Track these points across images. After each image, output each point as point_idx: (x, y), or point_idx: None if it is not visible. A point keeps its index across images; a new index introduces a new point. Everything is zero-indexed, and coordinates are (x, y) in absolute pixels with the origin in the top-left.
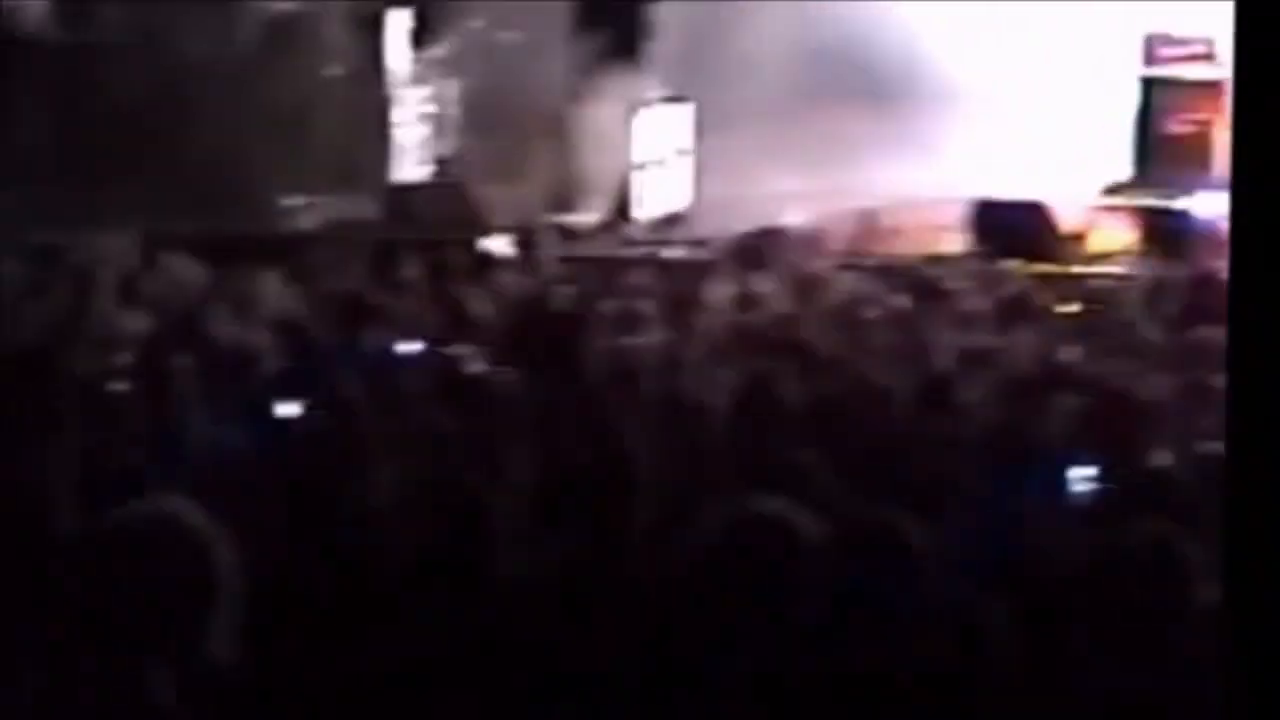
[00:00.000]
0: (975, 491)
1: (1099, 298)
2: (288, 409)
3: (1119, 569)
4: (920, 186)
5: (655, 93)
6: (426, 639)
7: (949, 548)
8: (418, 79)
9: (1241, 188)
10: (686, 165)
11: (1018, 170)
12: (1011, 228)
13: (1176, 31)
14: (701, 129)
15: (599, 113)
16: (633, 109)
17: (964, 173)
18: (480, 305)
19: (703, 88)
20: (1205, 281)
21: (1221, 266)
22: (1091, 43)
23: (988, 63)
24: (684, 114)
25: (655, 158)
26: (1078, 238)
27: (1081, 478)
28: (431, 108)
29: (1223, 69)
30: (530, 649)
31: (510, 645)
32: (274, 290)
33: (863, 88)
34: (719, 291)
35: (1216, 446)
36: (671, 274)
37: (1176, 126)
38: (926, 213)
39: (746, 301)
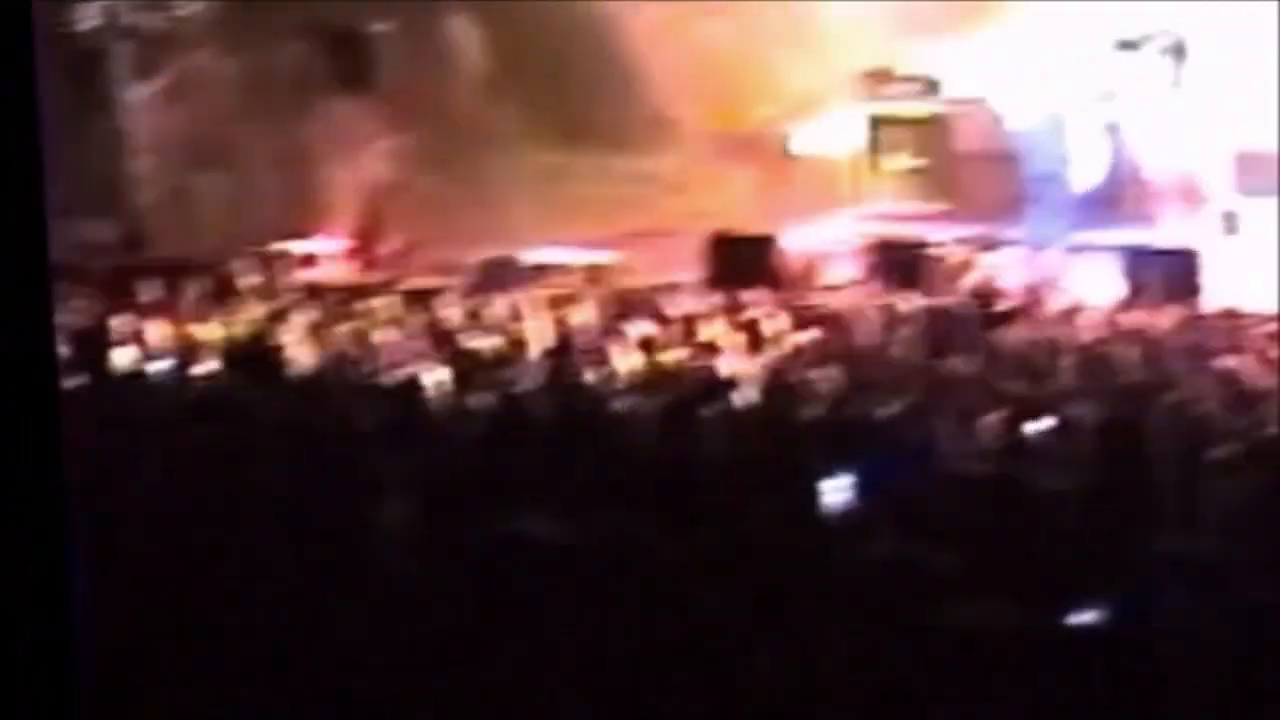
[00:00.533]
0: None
1: (837, 325)
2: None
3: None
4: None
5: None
6: None
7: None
8: (149, 108)
9: None
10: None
11: (763, 203)
12: (748, 259)
13: (900, 69)
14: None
15: (337, 141)
16: (372, 137)
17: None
18: (212, 330)
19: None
20: (944, 311)
21: (964, 298)
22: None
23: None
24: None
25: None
26: (813, 268)
27: (830, 492)
28: (166, 136)
29: (947, 104)
30: None
31: None
32: None
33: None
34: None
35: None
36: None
37: (906, 161)
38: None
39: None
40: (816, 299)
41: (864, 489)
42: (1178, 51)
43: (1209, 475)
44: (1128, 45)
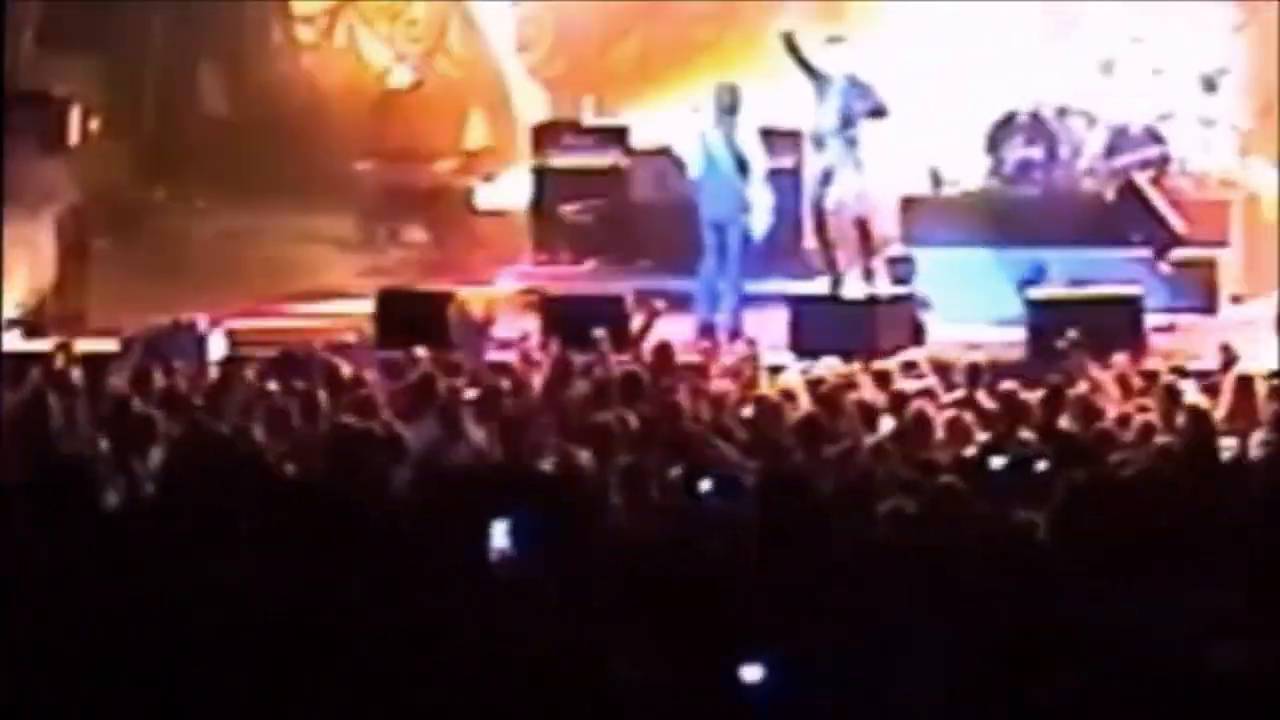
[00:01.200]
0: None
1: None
2: None
3: None
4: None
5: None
6: None
7: None
8: None
9: None
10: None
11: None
12: (420, 316)
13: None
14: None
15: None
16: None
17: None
18: None
19: None
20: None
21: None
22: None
23: None
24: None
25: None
26: (486, 323)
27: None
28: None
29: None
30: None
31: None
32: None
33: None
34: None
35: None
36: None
37: (573, 212)
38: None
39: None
40: (493, 354)
41: (524, 545)
42: (863, 97)
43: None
44: (817, 89)
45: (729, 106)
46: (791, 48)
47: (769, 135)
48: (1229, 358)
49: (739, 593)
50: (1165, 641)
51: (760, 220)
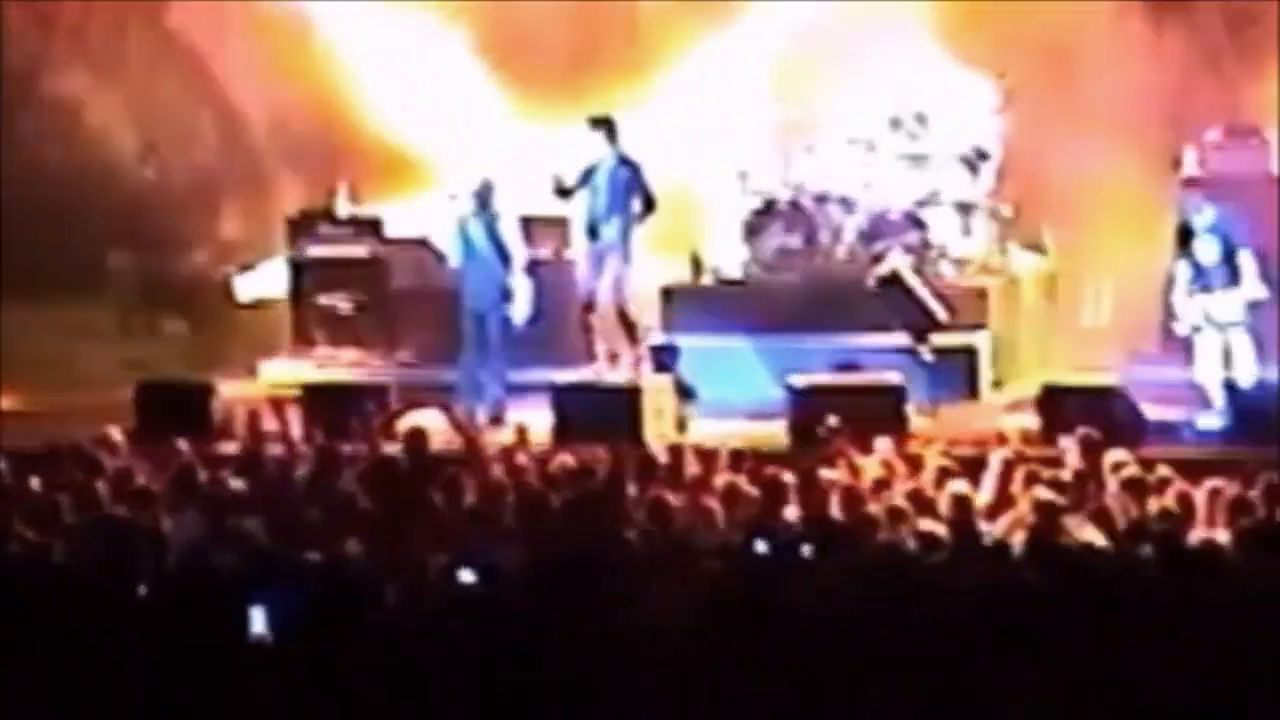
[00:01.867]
0: None
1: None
2: None
3: None
4: None
5: None
6: None
7: None
8: None
9: None
10: None
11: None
12: (180, 408)
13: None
14: None
15: None
16: None
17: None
18: None
19: None
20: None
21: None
22: None
23: None
24: None
25: None
26: (254, 415)
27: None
28: None
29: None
30: None
31: None
32: None
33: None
34: None
35: None
36: None
37: (331, 303)
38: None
39: None
40: (252, 446)
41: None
42: (631, 187)
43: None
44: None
45: (486, 197)
46: (560, 190)
47: (531, 223)
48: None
49: (498, 673)
50: None
51: (520, 309)
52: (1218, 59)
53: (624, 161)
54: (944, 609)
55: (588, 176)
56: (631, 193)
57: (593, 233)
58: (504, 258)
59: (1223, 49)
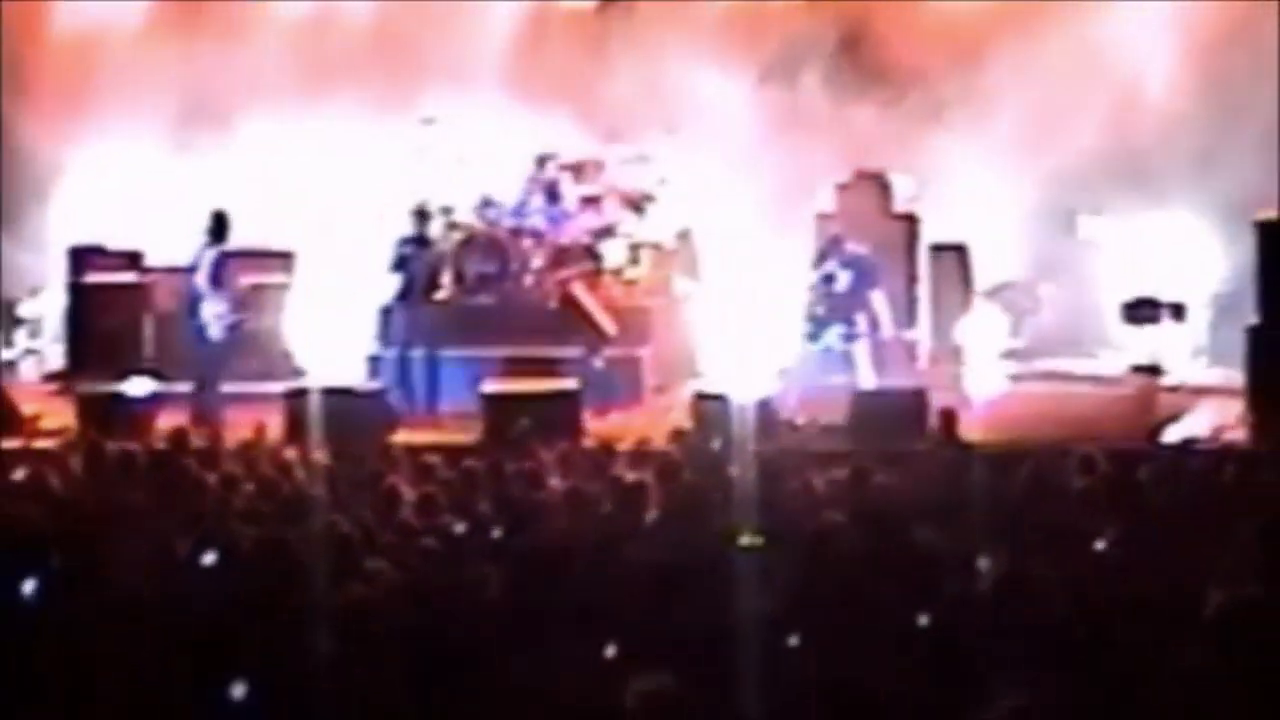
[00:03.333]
0: None
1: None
2: None
3: None
4: None
5: None
6: None
7: None
8: None
9: None
10: None
11: None
12: None
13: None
14: None
15: None
16: None
17: None
18: None
19: None
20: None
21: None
22: None
23: None
24: None
25: None
26: (34, 417)
27: None
28: None
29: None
30: None
31: None
32: None
33: None
34: None
35: None
36: None
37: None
38: None
39: None
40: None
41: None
42: None
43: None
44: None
45: (217, 230)
46: None
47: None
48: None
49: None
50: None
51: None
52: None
53: None
54: (604, 584)
55: None
56: None
57: None
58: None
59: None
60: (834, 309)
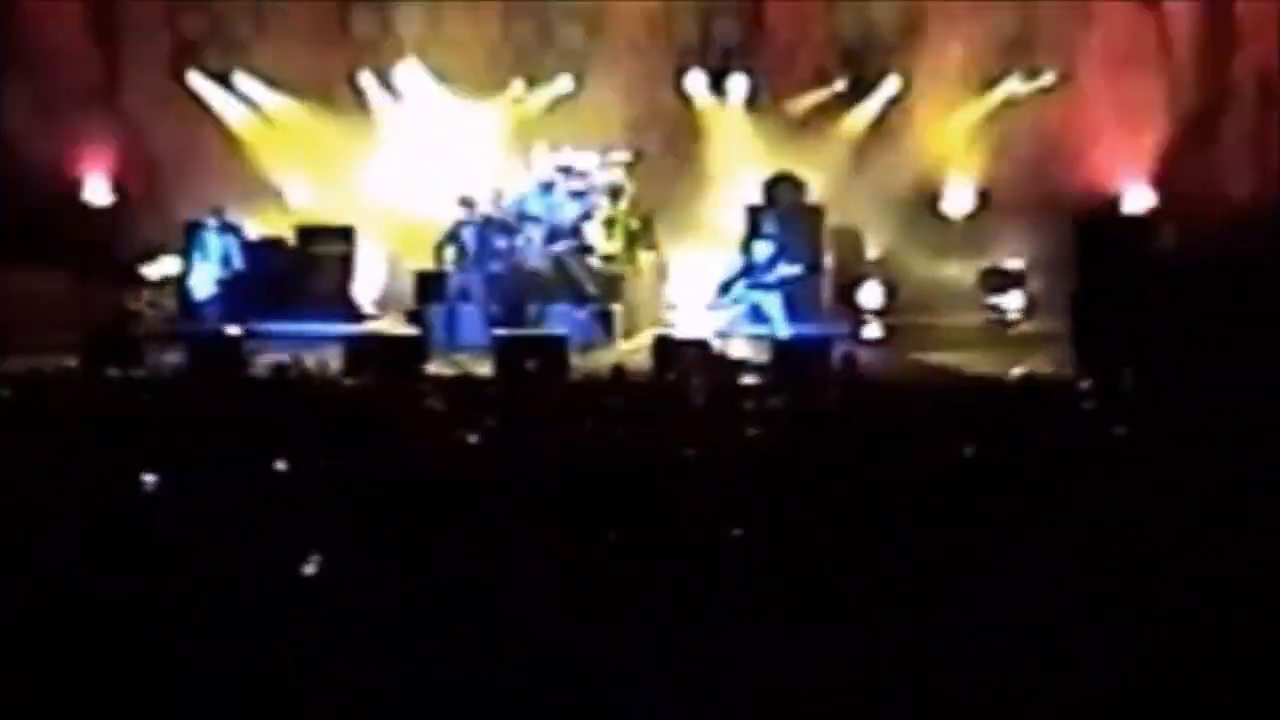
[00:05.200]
0: None
1: None
2: None
3: None
4: None
5: None
6: None
7: None
8: None
9: None
10: None
11: None
12: None
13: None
14: None
15: None
16: None
17: None
18: None
19: None
20: None
21: None
22: None
23: None
24: None
25: None
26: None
27: None
28: None
29: None
30: None
31: None
32: None
33: None
34: None
35: None
36: None
37: None
38: None
39: None
40: None
41: None
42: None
43: None
44: None
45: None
46: None
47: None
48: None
49: None
50: None
51: None
52: None
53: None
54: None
55: None
56: None
57: None
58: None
59: None
60: (754, 275)
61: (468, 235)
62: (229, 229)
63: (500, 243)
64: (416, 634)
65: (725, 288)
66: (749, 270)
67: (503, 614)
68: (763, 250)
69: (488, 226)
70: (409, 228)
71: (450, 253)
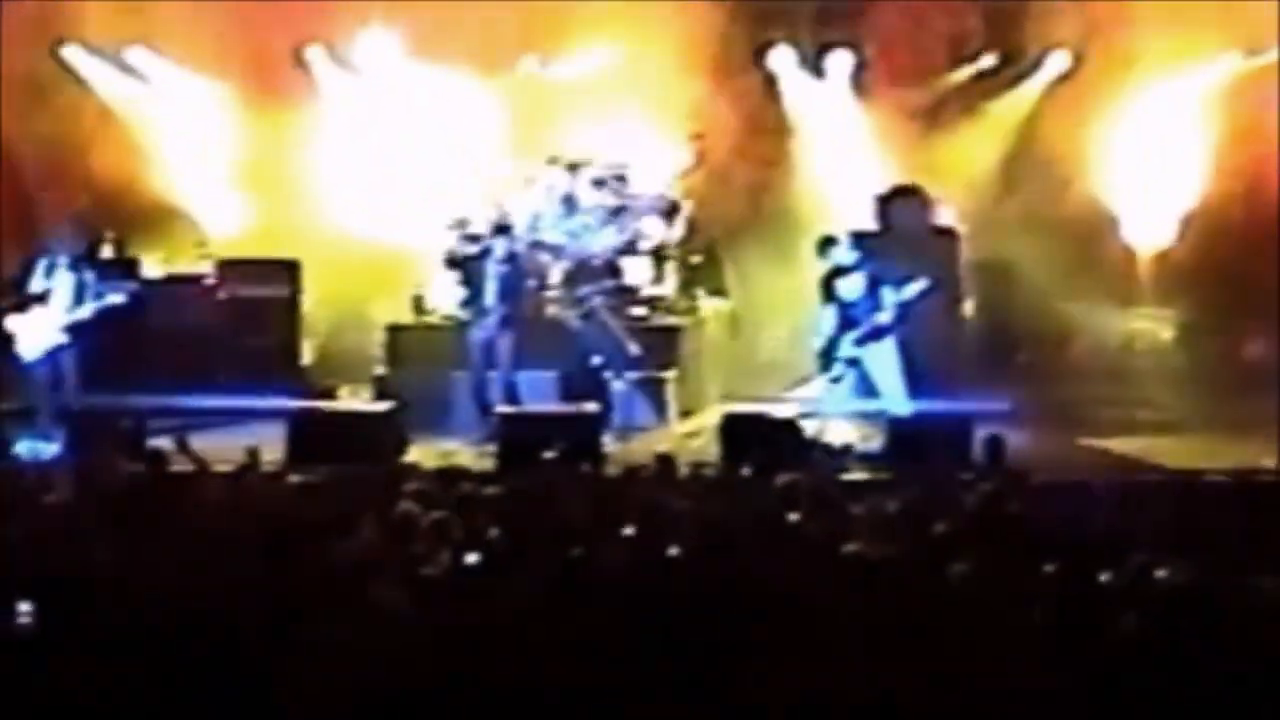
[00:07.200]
0: None
1: None
2: None
3: None
4: None
5: None
6: None
7: None
8: None
9: None
10: None
11: None
12: None
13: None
14: None
15: None
16: None
17: None
18: None
19: None
20: None
21: None
22: None
23: None
24: None
25: None
26: None
27: None
28: None
29: None
30: None
31: None
32: None
33: None
34: None
35: None
36: None
37: None
38: None
39: None
40: None
41: None
42: None
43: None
44: None
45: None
46: None
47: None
48: None
49: None
50: None
51: None
52: None
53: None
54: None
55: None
56: None
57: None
58: None
59: None
60: (850, 320)
61: (480, 270)
62: (95, 264)
63: (530, 282)
64: None
65: (826, 356)
66: (847, 320)
67: None
68: (852, 287)
69: (511, 261)
70: (374, 261)
71: (455, 294)
